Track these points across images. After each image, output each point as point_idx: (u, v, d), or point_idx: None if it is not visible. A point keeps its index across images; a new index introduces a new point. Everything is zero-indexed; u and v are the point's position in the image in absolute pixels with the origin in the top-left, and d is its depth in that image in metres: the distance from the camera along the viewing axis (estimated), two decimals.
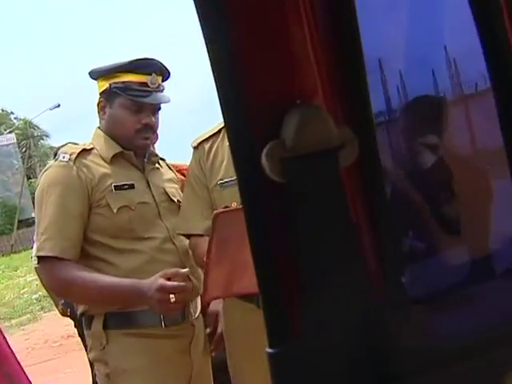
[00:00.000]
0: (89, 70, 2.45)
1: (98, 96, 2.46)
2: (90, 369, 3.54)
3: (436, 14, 1.10)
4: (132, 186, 2.39)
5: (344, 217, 0.82)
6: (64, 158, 2.34)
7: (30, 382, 1.52)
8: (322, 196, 0.79)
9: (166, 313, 2.27)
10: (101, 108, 2.46)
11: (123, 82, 2.38)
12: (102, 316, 2.32)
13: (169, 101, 2.45)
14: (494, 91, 1.02)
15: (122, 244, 2.32)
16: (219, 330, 2.51)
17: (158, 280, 2.20)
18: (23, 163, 36.60)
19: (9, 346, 1.50)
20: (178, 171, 3.14)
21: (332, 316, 0.81)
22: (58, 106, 32.76)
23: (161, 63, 2.44)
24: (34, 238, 2.60)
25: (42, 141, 42.39)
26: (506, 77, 0.98)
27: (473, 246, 1.15)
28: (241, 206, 0.80)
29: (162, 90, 2.45)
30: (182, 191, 2.55)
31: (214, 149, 2.45)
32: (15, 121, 43.77)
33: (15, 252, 27.04)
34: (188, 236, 2.42)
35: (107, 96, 2.44)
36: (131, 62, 2.39)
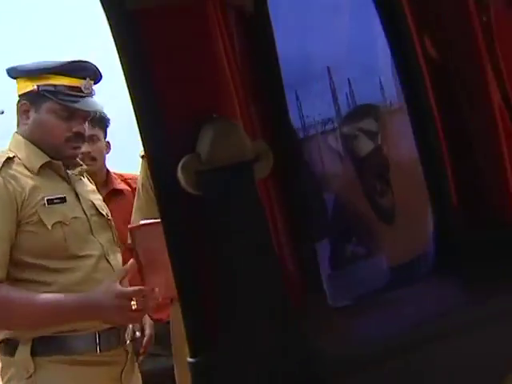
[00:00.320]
0: (7, 67, 2.25)
1: (18, 97, 2.26)
2: None
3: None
4: (64, 200, 2.20)
5: (261, 228, 0.85)
6: None
7: None
8: (237, 208, 0.82)
9: (127, 323, 2.15)
10: (23, 112, 2.24)
11: (54, 86, 2.21)
12: (29, 342, 2.25)
13: (103, 109, 2.34)
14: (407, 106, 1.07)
15: (55, 264, 2.20)
16: (147, 331, 2.49)
17: (113, 286, 2.05)
18: None
19: None
20: (123, 181, 3.11)
21: (251, 326, 0.83)
22: (2, 112, 31.85)
23: (95, 67, 2.29)
24: None
25: None
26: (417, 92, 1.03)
27: (395, 252, 1.19)
28: (154, 220, 0.82)
29: (93, 96, 2.37)
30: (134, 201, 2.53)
31: None
32: None
33: None
34: None
35: (33, 99, 2.23)
36: (64, 64, 2.20)
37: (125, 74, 0.81)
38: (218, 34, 0.84)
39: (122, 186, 3.09)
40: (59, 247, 2.18)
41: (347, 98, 1.13)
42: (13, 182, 2.14)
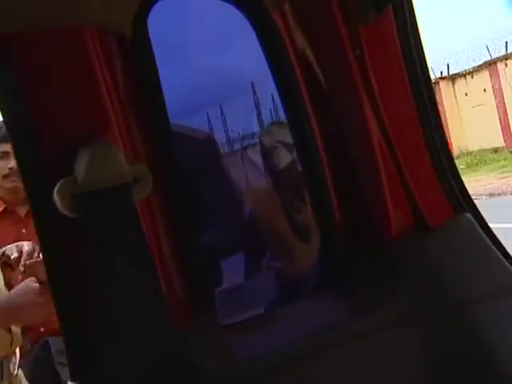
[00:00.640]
0: None
1: None
2: None
3: None
4: None
5: (140, 250, 0.86)
6: None
7: None
8: (114, 230, 0.83)
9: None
10: None
11: None
12: None
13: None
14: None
15: None
16: None
17: (30, 285, 2.05)
18: None
19: None
20: None
21: (132, 350, 0.84)
22: None
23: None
24: None
25: None
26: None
27: (284, 268, 1.23)
28: None
29: None
30: None
31: None
32: None
33: None
34: None
35: None
36: None
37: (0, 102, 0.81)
38: (96, 60, 0.86)
39: None
40: None
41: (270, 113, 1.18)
42: None
